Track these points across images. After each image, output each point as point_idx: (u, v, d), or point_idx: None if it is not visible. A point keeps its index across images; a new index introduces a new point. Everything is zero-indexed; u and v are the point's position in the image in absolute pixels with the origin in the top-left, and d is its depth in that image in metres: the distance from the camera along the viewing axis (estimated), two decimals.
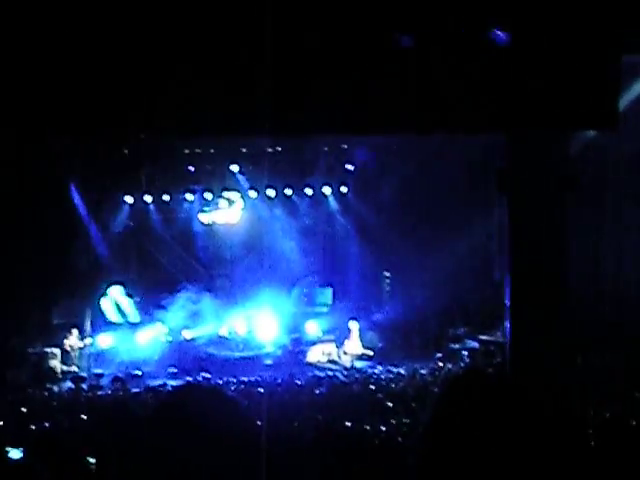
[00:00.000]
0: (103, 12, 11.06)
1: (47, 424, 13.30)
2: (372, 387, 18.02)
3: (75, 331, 21.47)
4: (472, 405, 2.17)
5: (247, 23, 11.17)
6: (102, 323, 22.30)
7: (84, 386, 19.68)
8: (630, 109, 16.79)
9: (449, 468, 2.13)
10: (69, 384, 19.94)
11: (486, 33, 11.61)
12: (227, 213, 24.29)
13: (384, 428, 12.68)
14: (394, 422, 13.27)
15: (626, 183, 20.07)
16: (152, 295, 23.26)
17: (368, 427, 12.65)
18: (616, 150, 19.40)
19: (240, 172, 23.80)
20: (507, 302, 15.36)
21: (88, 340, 21.48)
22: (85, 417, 13.93)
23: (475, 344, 21.84)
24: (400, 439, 11.01)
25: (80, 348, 21.36)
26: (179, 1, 11.26)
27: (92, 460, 4.52)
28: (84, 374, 20.52)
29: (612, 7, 11.74)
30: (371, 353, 22.34)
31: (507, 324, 15.51)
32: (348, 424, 12.65)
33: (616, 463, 3.52)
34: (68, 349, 21.25)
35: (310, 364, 21.99)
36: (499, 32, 11.53)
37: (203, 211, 24.11)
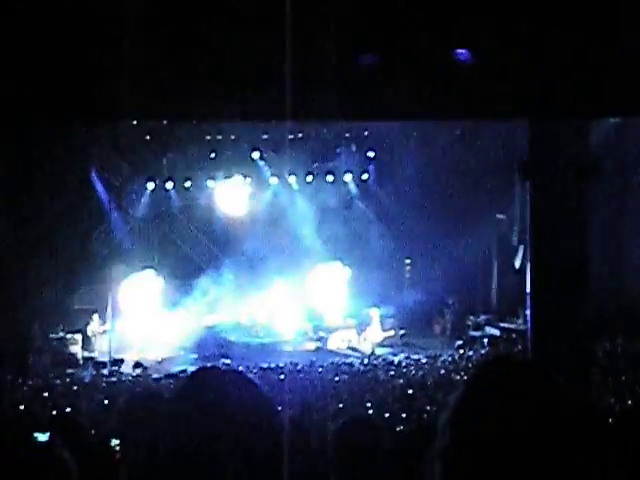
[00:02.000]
0: None
1: (69, 409, 13.39)
2: (392, 374, 18.03)
3: (96, 316, 21.56)
4: (502, 391, 2.16)
5: (265, 6, 11.15)
6: (123, 308, 22.35)
7: (105, 371, 19.78)
8: None
9: (478, 455, 2.12)
10: (90, 369, 20.02)
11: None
12: (233, 200, 24.24)
13: (404, 415, 12.69)
14: (415, 409, 13.28)
15: None
16: (173, 281, 23.30)
17: (388, 414, 12.66)
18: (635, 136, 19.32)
19: (261, 158, 23.80)
20: (528, 290, 15.34)
21: (109, 325, 21.56)
22: (106, 402, 14.03)
23: (496, 331, 21.82)
24: (421, 427, 11.01)
25: (101, 333, 21.45)
26: None
27: (115, 442, 4.54)
28: (105, 359, 20.60)
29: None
30: (392, 333, 22.36)
31: (528, 312, 15.49)
32: (369, 412, 12.67)
33: (635, 452, 3.49)
34: (89, 334, 21.35)
35: (331, 351, 22.02)
36: None
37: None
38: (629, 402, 11.34)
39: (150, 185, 23.57)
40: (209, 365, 2.63)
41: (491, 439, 2.09)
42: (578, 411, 2.15)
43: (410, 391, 15.32)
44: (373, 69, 11.50)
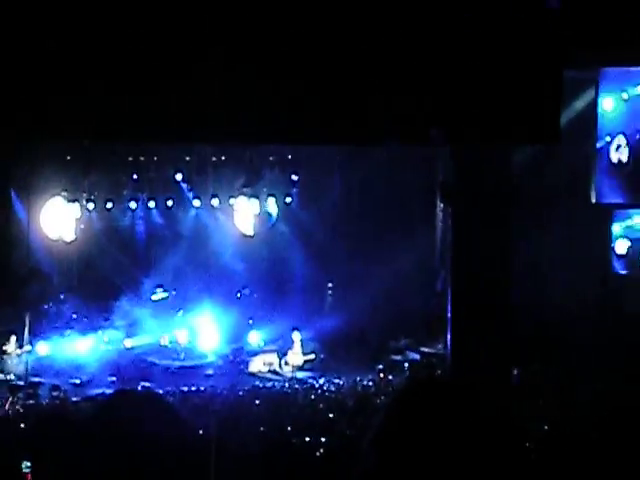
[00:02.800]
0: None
1: None
2: (313, 397, 18.01)
3: (13, 338, 21.18)
4: (425, 412, 2.16)
5: (194, 30, 11.14)
6: (41, 330, 22.00)
7: (21, 395, 19.42)
8: (572, 124, 17.02)
9: (402, 474, 2.11)
10: (5, 392, 19.64)
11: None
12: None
13: (324, 439, 12.67)
14: (335, 433, 13.26)
15: (566, 197, 20.28)
16: (93, 303, 23.03)
17: (308, 438, 12.62)
18: (557, 165, 19.59)
19: (183, 181, 23.71)
20: (448, 314, 15.45)
21: (26, 347, 21.20)
22: (22, 425, 13.77)
23: (416, 356, 21.92)
24: (342, 450, 10.99)
25: (18, 355, 21.08)
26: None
27: (27, 464, 4.45)
28: (21, 382, 20.23)
29: (554, 22, 11.88)
30: (313, 356, 22.33)
31: (448, 336, 15.59)
32: (289, 435, 12.63)
33: (557, 473, 3.54)
34: (5, 356, 20.96)
35: (252, 374, 21.92)
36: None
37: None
38: (545, 427, 11.45)
39: (70, 205, 23.27)
40: (126, 388, 2.60)
41: (415, 458, 2.09)
42: (498, 429, 2.16)
43: (331, 415, 15.31)
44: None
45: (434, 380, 2.32)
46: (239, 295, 24.06)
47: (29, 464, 4.42)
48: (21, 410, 17.39)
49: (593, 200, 18.73)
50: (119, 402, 2.30)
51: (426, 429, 2.15)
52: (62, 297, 23.01)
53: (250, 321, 23.56)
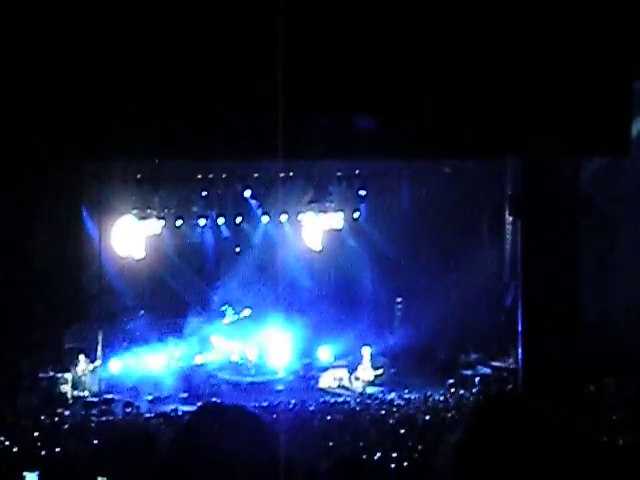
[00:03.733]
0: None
1: (58, 449, 13.28)
2: (383, 412, 17.96)
3: (82, 356, 21.39)
4: (505, 429, 2.16)
5: (256, 44, 11.23)
6: (112, 348, 22.24)
7: (94, 411, 19.63)
8: None
9: None
10: (80, 409, 19.88)
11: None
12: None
13: (394, 455, 12.62)
14: (405, 449, 13.21)
15: (637, 208, 20.03)
16: (164, 320, 23.24)
17: (379, 454, 12.59)
18: (629, 176, 19.37)
19: (252, 197, 23.84)
20: (519, 328, 15.34)
21: (97, 363, 21.44)
22: (96, 442, 13.92)
23: (487, 370, 21.76)
24: (412, 465, 10.96)
25: (90, 372, 21.32)
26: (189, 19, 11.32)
27: None
28: (95, 399, 20.46)
29: (622, 34, 11.78)
30: (382, 371, 22.28)
31: (519, 350, 15.48)
32: (359, 451, 12.61)
33: None
34: (79, 373, 21.21)
35: (322, 390, 21.93)
36: None
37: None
38: (620, 442, 11.28)
39: (141, 224, 23.51)
40: (209, 403, 2.59)
41: (494, 474, 2.10)
42: (573, 447, 2.15)
43: (401, 430, 15.25)
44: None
45: (512, 396, 2.33)
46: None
47: None
48: (95, 427, 17.55)
49: None
50: (207, 417, 2.30)
51: (505, 445, 2.16)
52: (134, 314, 23.24)
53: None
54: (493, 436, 2.18)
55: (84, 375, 21.24)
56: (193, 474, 2.19)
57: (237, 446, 2.22)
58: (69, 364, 21.21)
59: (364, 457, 11.59)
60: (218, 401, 19.67)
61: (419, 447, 13.28)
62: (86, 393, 20.92)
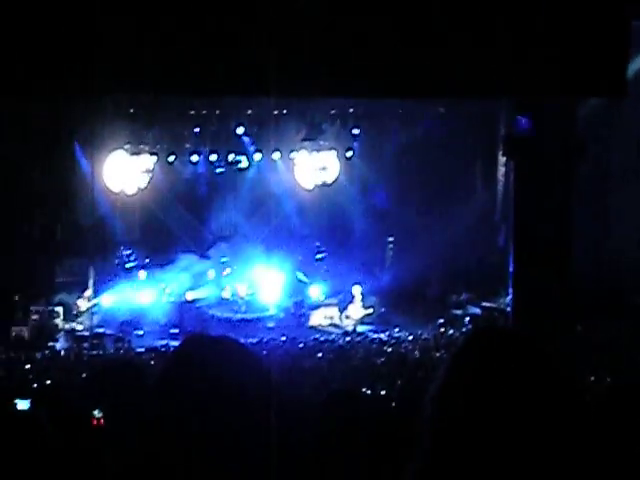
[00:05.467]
0: None
1: (49, 381, 13.35)
2: (373, 351, 18.07)
3: (78, 289, 21.47)
4: (488, 363, 2.13)
5: None
6: (105, 282, 22.27)
7: (86, 345, 19.73)
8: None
9: (467, 428, 2.10)
10: (72, 343, 19.98)
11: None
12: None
13: (384, 392, 12.70)
14: (395, 386, 13.29)
15: (631, 151, 20.02)
16: (155, 256, 23.25)
17: (369, 391, 12.67)
18: (622, 120, 19.32)
19: (245, 134, 23.71)
20: (510, 268, 15.38)
21: (90, 299, 21.49)
22: (87, 375, 13.98)
23: (477, 310, 21.88)
24: (401, 403, 11.02)
25: (82, 306, 21.38)
26: None
27: (98, 414, 4.52)
28: (86, 333, 20.55)
29: None
30: (372, 310, 22.39)
31: (510, 290, 15.54)
32: (349, 386, 12.67)
33: (618, 430, 3.51)
34: (71, 307, 21.27)
35: (312, 327, 22.05)
36: None
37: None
38: (607, 379, 11.39)
39: (134, 159, 23.39)
40: (195, 334, 2.56)
41: (477, 411, 2.07)
42: (562, 381, 2.14)
43: (391, 368, 15.35)
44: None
45: (496, 329, 2.27)
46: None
47: (99, 412, 4.49)
48: (87, 360, 17.65)
49: None
50: (194, 345, 2.29)
51: (488, 380, 2.12)
52: (125, 250, 23.23)
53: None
54: (473, 371, 2.14)
55: (76, 309, 21.31)
56: (182, 404, 2.19)
57: (227, 375, 2.21)
58: (61, 298, 21.27)
59: (354, 392, 11.66)
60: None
61: (408, 385, 13.34)
62: (78, 327, 21.00)
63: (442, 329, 21.00)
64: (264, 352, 17.37)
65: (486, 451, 2.07)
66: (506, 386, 2.09)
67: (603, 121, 18.55)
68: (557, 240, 14.78)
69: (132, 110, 22.19)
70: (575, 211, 15.29)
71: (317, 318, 22.44)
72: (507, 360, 2.14)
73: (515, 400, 2.08)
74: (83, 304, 21.40)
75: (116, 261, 22.95)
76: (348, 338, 20.46)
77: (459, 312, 22.07)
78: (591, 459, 2.20)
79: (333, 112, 23.68)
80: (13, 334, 19.87)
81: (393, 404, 10.98)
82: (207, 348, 2.27)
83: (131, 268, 22.88)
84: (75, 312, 21.25)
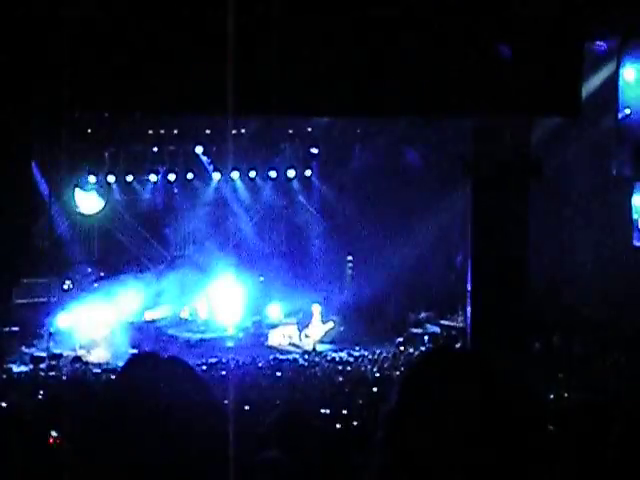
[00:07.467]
0: None
1: (4, 404, 13.22)
2: (332, 370, 18.06)
3: (36, 310, 21.28)
4: (440, 383, 2.15)
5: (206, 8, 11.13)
6: (63, 302, 22.11)
7: (43, 366, 19.55)
8: (593, 97, 16.92)
9: (419, 446, 2.11)
10: (28, 364, 19.79)
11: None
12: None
13: (345, 412, 12.69)
14: (353, 406, 13.28)
15: (587, 170, 20.20)
16: (113, 275, 23.13)
17: (328, 411, 12.65)
18: (577, 138, 19.50)
19: (204, 154, 23.70)
20: (468, 287, 15.46)
21: (48, 319, 21.32)
22: (44, 396, 13.87)
23: (436, 329, 21.95)
24: (361, 422, 11.03)
25: (40, 327, 21.20)
26: None
27: (54, 434, 4.51)
28: (43, 354, 20.36)
29: None
30: (332, 325, 22.38)
31: (468, 309, 15.61)
32: (307, 407, 12.65)
33: (578, 445, 3.55)
34: (29, 328, 21.08)
35: (271, 347, 21.99)
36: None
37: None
38: (566, 395, 11.47)
39: (92, 179, 23.32)
40: (142, 352, 2.57)
41: (429, 431, 2.08)
42: (516, 399, 2.16)
43: (349, 387, 15.34)
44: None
45: (448, 350, 2.30)
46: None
47: (55, 434, 4.47)
48: (43, 381, 17.48)
49: (614, 172, 18.60)
50: (140, 365, 2.29)
51: (441, 399, 2.14)
52: (83, 269, 23.11)
53: (261, 278, 23.67)
54: (425, 391, 2.16)
55: (33, 330, 21.13)
56: (126, 422, 2.18)
57: (171, 393, 2.21)
58: (18, 319, 21.08)
59: (311, 414, 11.66)
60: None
61: (366, 405, 13.35)
62: (33, 348, 20.81)
63: (401, 348, 21.03)
64: (223, 372, 17.34)
65: (437, 470, 2.08)
66: (455, 406, 2.11)
67: (560, 140, 18.71)
68: (513, 258, 14.89)
69: (89, 130, 22.11)
70: (531, 229, 15.40)
71: (276, 338, 22.40)
72: (457, 381, 2.15)
73: (465, 420, 2.10)
74: (41, 325, 21.21)
75: (74, 281, 22.81)
76: (307, 357, 20.43)
77: (418, 331, 22.12)
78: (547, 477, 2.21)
79: (291, 132, 23.73)
80: None
81: (355, 423, 11.01)
82: (152, 369, 2.28)
83: (89, 288, 22.75)
84: (32, 333, 21.06)
